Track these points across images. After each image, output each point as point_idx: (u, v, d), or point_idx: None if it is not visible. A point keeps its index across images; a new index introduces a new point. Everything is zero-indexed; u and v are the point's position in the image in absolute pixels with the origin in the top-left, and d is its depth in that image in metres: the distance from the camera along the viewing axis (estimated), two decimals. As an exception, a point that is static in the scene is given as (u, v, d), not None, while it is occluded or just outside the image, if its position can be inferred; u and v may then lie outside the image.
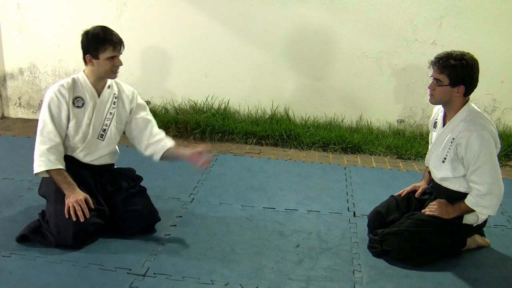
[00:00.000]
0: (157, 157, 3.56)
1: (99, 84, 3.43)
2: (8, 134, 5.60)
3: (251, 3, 5.56)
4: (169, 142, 3.57)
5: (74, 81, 3.40)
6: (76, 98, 3.39)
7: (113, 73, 3.37)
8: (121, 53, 3.36)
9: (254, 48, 5.74)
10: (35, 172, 3.33)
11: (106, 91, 3.46)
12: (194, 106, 5.95)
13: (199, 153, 3.40)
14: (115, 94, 3.52)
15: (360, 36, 5.52)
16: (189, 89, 5.97)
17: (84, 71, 3.43)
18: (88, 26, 3.36)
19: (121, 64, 3.36)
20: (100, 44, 3.26)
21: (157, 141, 3.57)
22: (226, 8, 5.62)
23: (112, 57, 3.30)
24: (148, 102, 6.01)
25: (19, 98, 6.27)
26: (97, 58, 3.29)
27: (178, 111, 5.96)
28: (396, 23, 5.42)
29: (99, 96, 3.44)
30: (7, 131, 5.75)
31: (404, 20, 5.39)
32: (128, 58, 5.84)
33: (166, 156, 3.56)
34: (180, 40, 5.81)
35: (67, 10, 5.78)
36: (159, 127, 5.64)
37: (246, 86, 5.89)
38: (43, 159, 3.29)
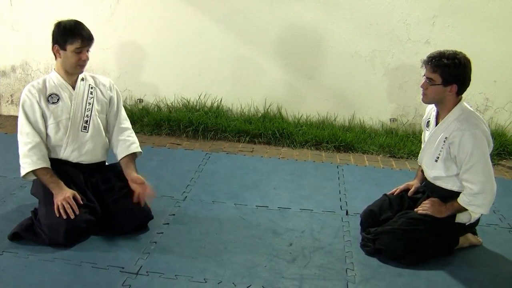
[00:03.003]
0: (119, 156, 3.63)
1: (71, 78, 3.44)
2: (0, 132, 5.57)
3: (245, 1, 5.56)
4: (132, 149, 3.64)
5: (44, 81, 3.42)
6: (50, 96, 3.39)
7: (79, 67, 3.37)
8: (88, 49, 3.35)
9: (247, 47, 5.73)
10: (21, 175, 3.34)
11: (80, 84, 3.46)
12: (187, 104, 5.94)
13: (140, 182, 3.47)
14: (90, 85, 3.52)
15: (353, 35, 5.53)
16: (182, 87, 5.96)
17: (54, 69, 3.44)
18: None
19: (87, 59, 3.35)
20: (70, 35, 3.25)
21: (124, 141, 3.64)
22: (219, 6, 5.62)
23: (79, 51, 3.29)
24: (141, 100, 6.00)
25: (11, 96, 6.25)
26: (64, 49, 3.29)
27: (171, 109, 5.95)
28: (390, 22, 5.43)
29: (74, 89, 3.44)
30: (-1, 128, 5.74)
31: (398, 19, 5.40)
32: (121, 55, 5.87)
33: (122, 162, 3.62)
34: (173, 38, 5.80)
35: (60, 7, 5.76)
36: (152, 125, 5.68)
37: (239, 84, 5.89)
38: (26, 161, 3.30)
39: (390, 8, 5.37)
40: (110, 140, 3.66)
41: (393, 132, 5.69)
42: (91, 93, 3.50)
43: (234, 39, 5.72)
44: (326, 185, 4.47)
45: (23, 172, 3.31)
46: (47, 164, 3.34)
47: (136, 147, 3.64)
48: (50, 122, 3.38)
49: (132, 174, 3.49)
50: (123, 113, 3.72)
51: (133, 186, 3.45)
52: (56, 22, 3.33)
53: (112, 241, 3.34)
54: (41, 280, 2.89)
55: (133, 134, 3.71)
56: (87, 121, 3.47)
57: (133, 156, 3.62)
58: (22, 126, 3.35)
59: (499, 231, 3.78)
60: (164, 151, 5.17)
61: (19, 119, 3.37)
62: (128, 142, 3.62)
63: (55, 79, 3.41)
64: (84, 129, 3.47)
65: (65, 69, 3.38)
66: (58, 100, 3.40)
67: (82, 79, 3.48)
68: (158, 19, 5.74)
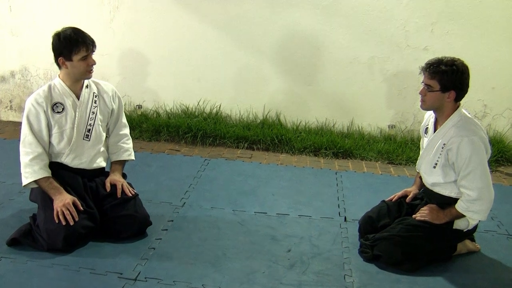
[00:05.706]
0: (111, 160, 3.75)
1: (76, 86, 3.43)
2: (-1, 137, 5.59)
3: (244, 8, 5.57)
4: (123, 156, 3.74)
5: (50, 88, 3.41)
6: (55, 104, 3.39)
7: (88, 73, 3.37)
8: (93, 53, 3.37)
9: (247, 53, 5.74)
10: (23, 184, 3.34)
11: (85, 92, 3.46)
12: (186, 110, 5.95)
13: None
14: (94, 93, 3.52)
15: (352, 41, 5.54)
16: (181, 93, 5.96)
17: (59, 76, 3.44)
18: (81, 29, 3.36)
19: (94, 63, 3.36)
20: (73, 45, 3.24)
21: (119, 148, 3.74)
22: (219, 12, 5.63)
23: (86, 58, 3.29)
24: (140, 106, 6.00)
25: (10, 101, 6.25)
26: (70, 60, 3.28)
27: (169, 115, 5.95)
28: (388, 28, 5.44)
29: (78, 98, 3.44)
30: (-2, 134, 5.74)
31: (396, 26, 5.41)
32: (120, 61, 5.88)
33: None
34: (172, 44, 5.81)
35: (59, 13, 5.77)
36: (151, 131, 5.68)
37: (238, 90, 5.90)
38: (28, 170, 3.31)
39: (389, 14, 5.38)
40: (107, 143, 3.70)
41: (391, 138, 5.69)
42: (95, 102, 3.51)
43: (234, 45, 5.73)
44: (325, 192, 4.47)
45: (25, 181, 3.32)
46: (48, 173, 3.34)
47: (128, 155, 3.74)
48: (54, 131, 3.39)
49: (113, 176, 3.60)
50: (123, 120, 3.76)
51: (111, 181, 3.55)
52: (54, 34, 3.31)
53: (110, 247, 3.34)
54: (39, 286, 2.89)
55: (129, 141, 3.79)
56: (89, 129, 3.48)
57: (122, 162, 3.73)
58: (25, 136, 3.35)
59: (497, 237, 3.79)
60: (163, 157, 5.17)
61: (22, 128, 3.37)
62: (122, 148, 3.71)
63: (59, 87, 3.41)
64: (86, 137, 3.48)
65: (75, 77, 3.37)
66: (63, 109, 3.40)
67: (87, 86, 3.48)
68: (158, 25, 5.75)
